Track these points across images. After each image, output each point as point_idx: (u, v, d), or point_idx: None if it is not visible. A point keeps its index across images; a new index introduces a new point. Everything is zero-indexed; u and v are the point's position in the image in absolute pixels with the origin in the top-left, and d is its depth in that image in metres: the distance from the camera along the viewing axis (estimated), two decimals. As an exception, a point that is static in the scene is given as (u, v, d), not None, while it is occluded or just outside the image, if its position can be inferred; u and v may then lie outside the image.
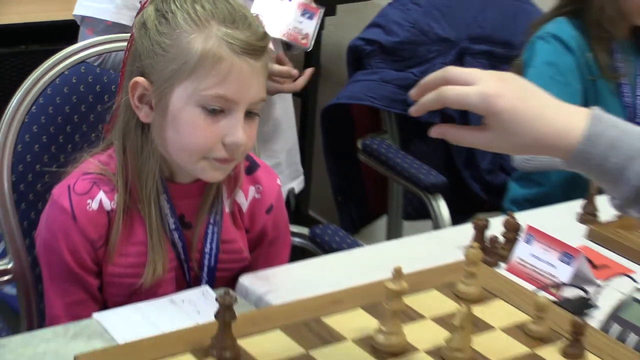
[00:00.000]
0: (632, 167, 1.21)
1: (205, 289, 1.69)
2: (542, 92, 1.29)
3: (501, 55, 2.92)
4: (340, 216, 3.01)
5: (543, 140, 1.25)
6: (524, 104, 1.25)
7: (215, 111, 1.60)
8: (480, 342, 1.52)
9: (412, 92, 1.34)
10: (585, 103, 2.47)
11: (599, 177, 1.25)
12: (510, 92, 1.26)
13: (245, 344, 1.47)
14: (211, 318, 1.44)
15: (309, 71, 2.47)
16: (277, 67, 2.37)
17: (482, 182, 2.84)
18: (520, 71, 2.53)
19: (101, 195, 1.68)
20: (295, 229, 2.23)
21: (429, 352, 1.51)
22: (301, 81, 2.46)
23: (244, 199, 1.80)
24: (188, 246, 1.73)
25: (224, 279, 1.77)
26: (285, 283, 1.73)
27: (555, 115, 1.26)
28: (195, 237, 1.74)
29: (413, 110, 1.34)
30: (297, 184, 2.82)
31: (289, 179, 2.81)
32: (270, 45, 1.70)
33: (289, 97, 2.76)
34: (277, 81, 2.41)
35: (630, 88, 2.52)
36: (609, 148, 1.21)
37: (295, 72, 2.43)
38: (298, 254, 2.01)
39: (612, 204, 1.27)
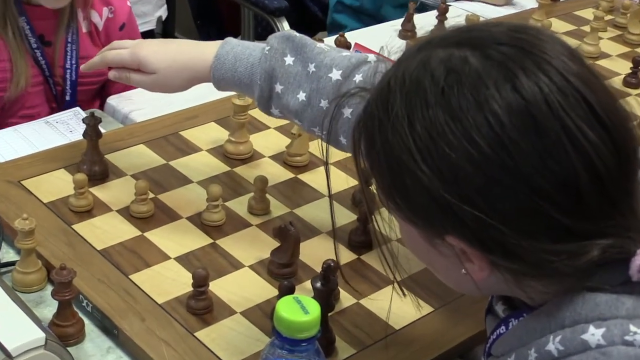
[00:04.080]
0: (256, 72, 1.12)
1: (77, 110, 1.47)
2: (180, 41, 1.26)
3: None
4: (200, 37, 2.75)
5: (185, 69, 1.17)
6: (162, 48, 1.19)
7: None
8: (316, 147, 1.33)
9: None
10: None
11: (237, 86, 1.15)
12: (148, 44, 1.21)
13: (113, 158, 1.31)
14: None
15: None
16: None
17: (319, 3, 2.60)
18: None
19: None
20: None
21: (273, 157, 1.37)
22: None
23: (99, 18, 1.60)
24: (51, 62, 1.53)
25: (89, 92, 1.59)
26: (148, 102, 1.51)
27: (192, 49, 1.18)
28: (57, 54, 1.53)
29: (82, 67, 1.32)
30: (162, 12, 2.60)
31: (156, 8, 2.58)
32: None
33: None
34: None
35: None
36: (235, 61, 1.13)
37: None
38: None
39: (259, 107, 1.16)
